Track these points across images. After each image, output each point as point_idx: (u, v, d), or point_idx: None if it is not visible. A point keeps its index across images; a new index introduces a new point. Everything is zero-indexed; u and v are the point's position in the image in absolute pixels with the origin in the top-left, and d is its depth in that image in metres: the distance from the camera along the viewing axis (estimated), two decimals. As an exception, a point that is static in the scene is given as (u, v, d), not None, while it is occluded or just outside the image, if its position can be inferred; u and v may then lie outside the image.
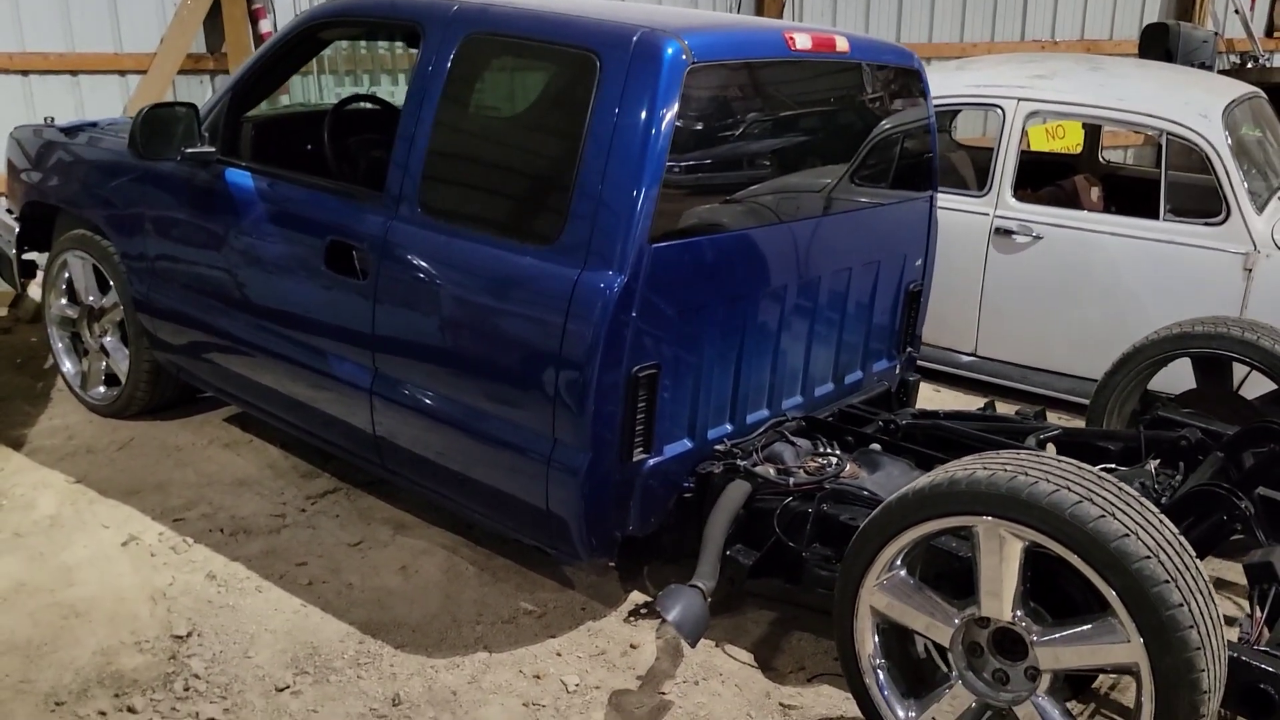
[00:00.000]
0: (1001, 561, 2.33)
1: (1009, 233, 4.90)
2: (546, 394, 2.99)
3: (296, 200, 3.64)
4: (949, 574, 2.62)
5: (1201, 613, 2.16)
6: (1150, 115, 4.65)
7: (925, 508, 2.41)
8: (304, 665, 3.00)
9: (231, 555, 3.53)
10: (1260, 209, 4.52)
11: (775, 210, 3.38)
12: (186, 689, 2.87)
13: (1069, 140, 7.15)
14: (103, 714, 2.77)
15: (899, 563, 2.52)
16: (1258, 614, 2.79)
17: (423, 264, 3.24)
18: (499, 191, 3.28)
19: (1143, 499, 2.31)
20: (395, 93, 6.49)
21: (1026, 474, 2.28)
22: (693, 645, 2.88)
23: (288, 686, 2.91)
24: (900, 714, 2.57)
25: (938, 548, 2.62)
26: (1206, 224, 4.53)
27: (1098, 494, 2.23)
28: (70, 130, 4.54)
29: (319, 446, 3.90)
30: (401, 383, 3.36)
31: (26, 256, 4.77)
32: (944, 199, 4.24)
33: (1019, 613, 2.35)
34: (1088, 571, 2.20)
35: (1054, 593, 2.42)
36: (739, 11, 7.24)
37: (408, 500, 3.87)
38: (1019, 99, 4.87)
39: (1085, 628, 2.28)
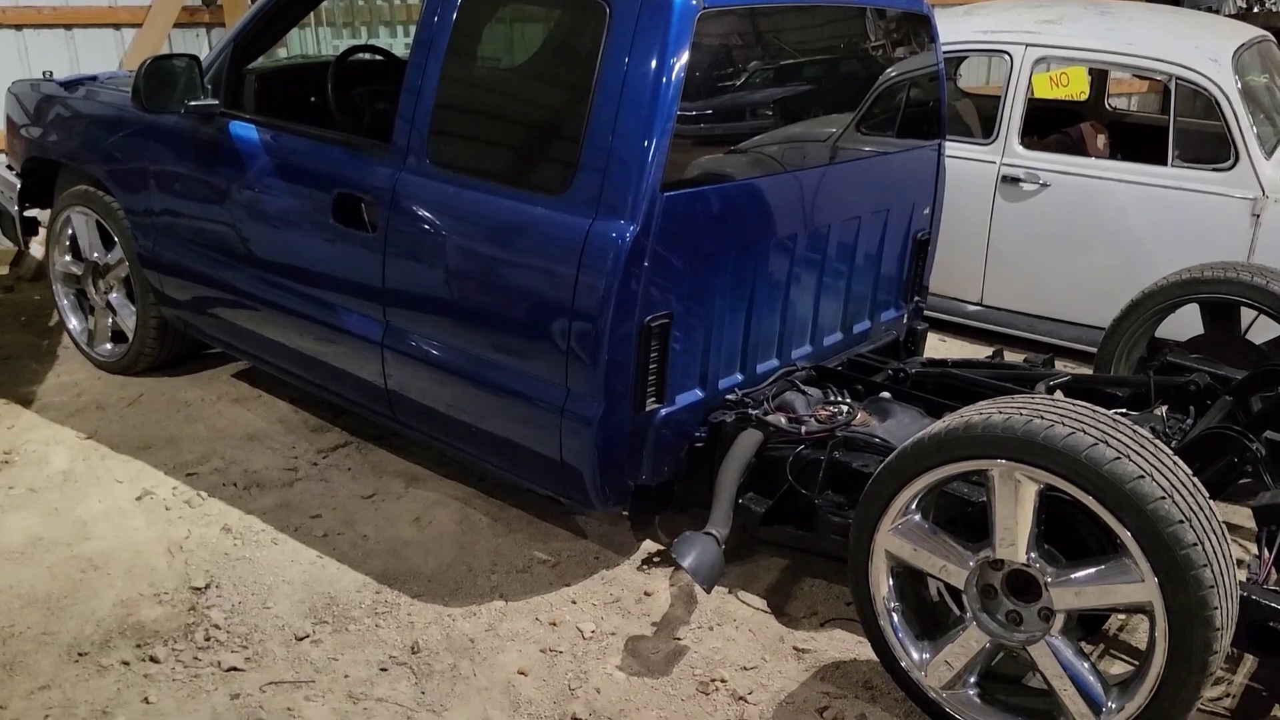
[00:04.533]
0: (1016, 505, 2.35)
1: (1016, 181, 4.88)
2: (559, 345, 2.99)
3: (302, 153, 3.62)
4: (963, 518, 2.65)
5: (1215, 552, 2.18)
6: (1159, 59, 4.61)
7: (941, 452, 2.42)
8: (322, 615, 3.04)
9: (246, 509, 3.55)
10: (1269, 154, 4.50)
11: (785, 159, 3.36)
12: (207, 639, 2.91)
13: (1072, 88, 7.09)
14: (125, 664, 2.81)
15: (914, 507, 2.54)
16: (1266, 555, 2.83)
17: (432, 216, 3.22)
18: (508, 142, 3.26)
19: (1156, 441, 2.32)
20: (393, 44, 6.42)
21: (1042, 418, 2.29)
22: (708, 591, 2.91)
23: (307, 635, 2.94)
24: (915, 655, 2.60)
25: (951, 492, 2.64)
26: (1215, 169, 4.52)
27: (1113, 437, 2.24)
28: (70, 84, 4.49)
29: (329, 400, 3.91)
30: (413, 335, 3.36)
31: (28, 213, 4.75)
32: (950, 147, 4.22)
33: (1033, 555, 2.38)
34: (1103, 513, 2.22)
35: (1068, 535, 2.44)
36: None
37: (419, 453, 3.89)
38: (1027, 44, 4.83)
39: (1099, 568, 2.31)
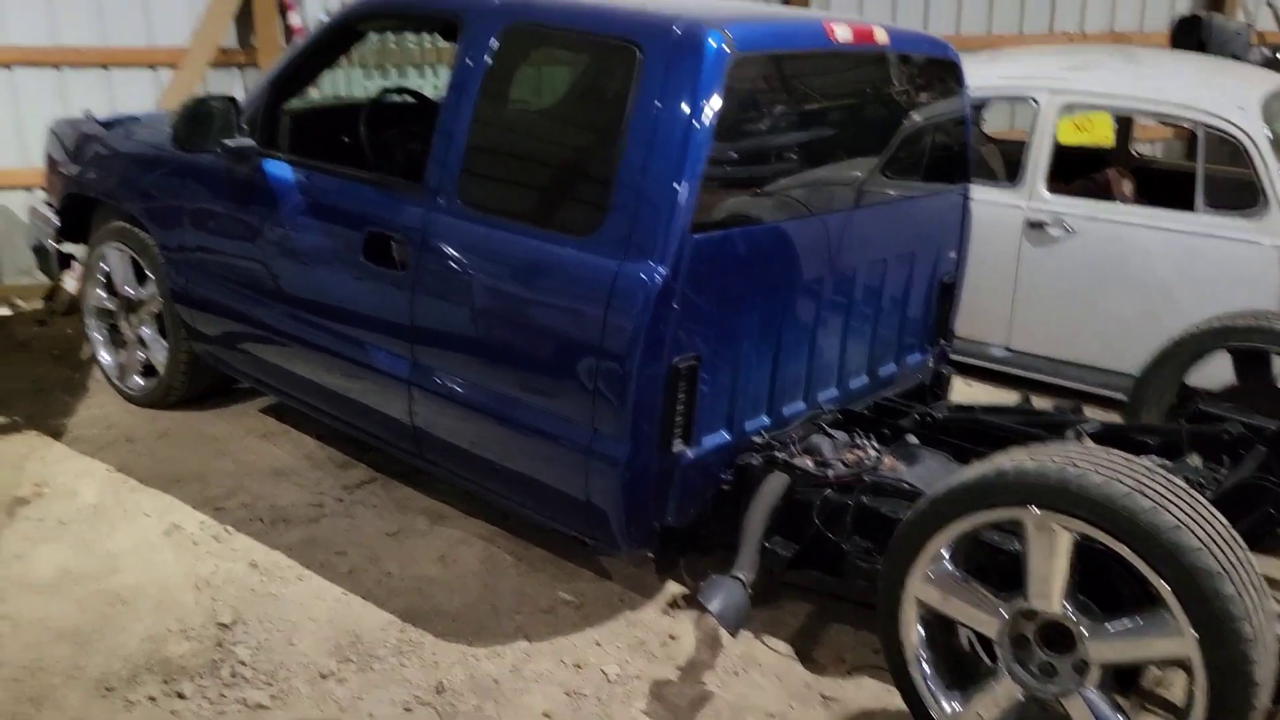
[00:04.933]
0: (1050, 554, 2.33)
1: (1042, 226, 4.87)
2: (586, 385, 3.00)
3: (335, 192, 3.66)
4: (994, 566, 2.62)
5: (1254, 605, 2.16)
6: (1188, 107, 4.62)
7: (973, 499, 2.41)
8: (347, 653, 3.03)
9: (272, 544, 3.56)
10: (1299, 201, 4.48)
11: (812, 202, 3.38)
12: (233, 675, 2.90)
13: (1095, 133, 7.09)
14: (152, 699, 2.81)
15: (945, 555, 2.52)
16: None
17: (462, 255, 3.25)
18: (539, 183, 3.29)
19: (1193, 491, 2.30)
20: (423, 85, 6.50)
21: (1076, 465, 2.28)
22: (734, 635, 2.89)
23: (332, 673, 2.93)
24: (945, 706, 2.57)
25: (982, 539, 2.62)
26: (1243, 216, 4.50)
27: (1149, 486, 2.23)
28: (109, 124, 4.58)
29: (355, 436, 3.92)
30: (440, 373, 3.38)
31: (64, 249, 4.82)
32: (975, 191, 4.23)
33: (1068, 605, 2.35)
34: (1139, 564, 2.20)
35: (1103, 585, 2.42)
36: (762, 2, 7.21)
37: (444, 490, 3.89)
38: (1053, 90, 4.85)
39: (1136, 621, 2.28)
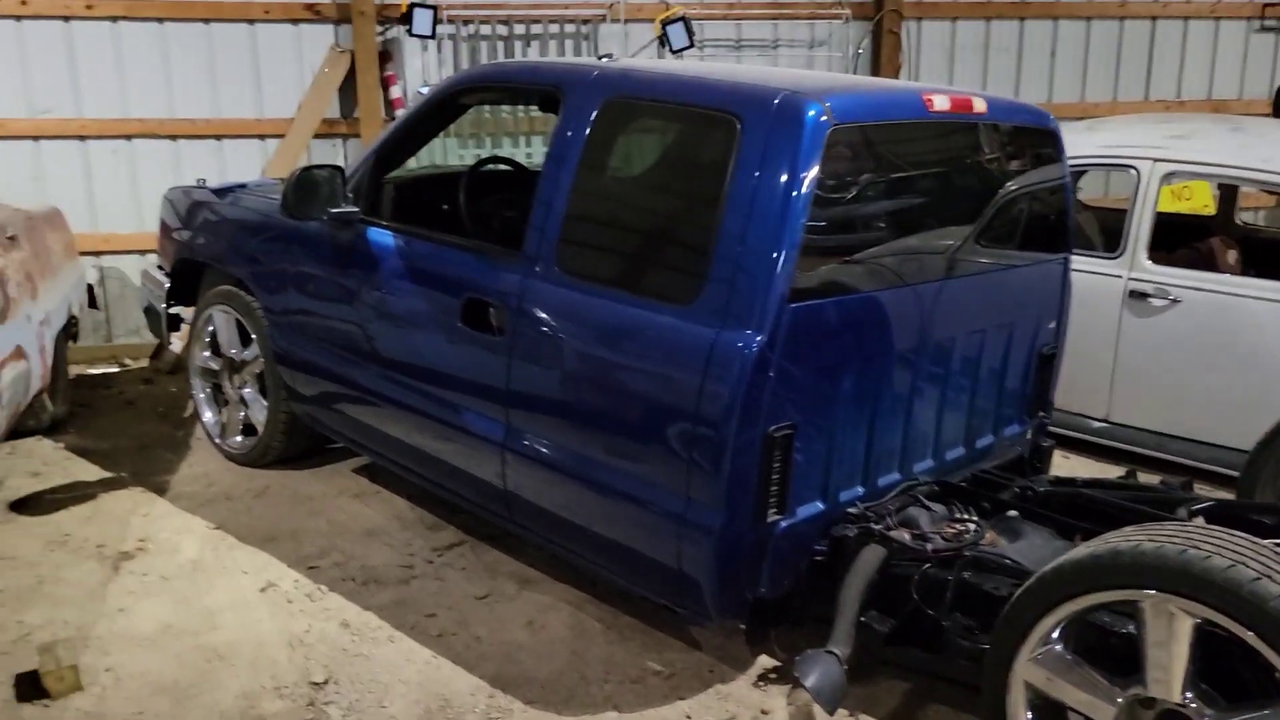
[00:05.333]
0: (1170, 639, 2.22)
1: (1144, 296, 4.76)
2: (681, 453, 2.99)
3: (434, 258, 3.75)
4: (1105, 649, 2.51)
5: (1394, 702, 2.03)
6: (1297, 176, 4.49)
7: (1085, 579, 2.32)
8: (437, 717, 3.03)
9: (364, 604, 3.59)
10: None
11: (911, 271, 3.35)
12: (325, 737, 2.92)
13: (1195, 201, 6.95)
14: (246, 758, 2.83)
15: (1055, 636, 2.43)
16: None
17: (559, 322, 3.29)
18: (637, 252, 3.32)
19: (1323, 577, 2.19)
20: (516, 153, 6.66)
21: (1198, 547, 2.18)
22: (831, 714, 2.81)
23: (422, 738, 2.93)
24: (1053, 795, 2.46)
25: (1093, 621, 2.52)
26: (1358, 288, 4.34)
27: (1277, 570, 2.12)
28: (220, 191, 4.77)
29: (445, 498, 3.96)
30: (534, 438, 3.40)
31: (172, 310, 5.01)
32: (1075, 261, 4.16)
33: (1189, 694, 2.24)
34: (1267, 652, 2.09)
35: (1226, 673, 2.30)
36: (854, 73, 7.26)
37: (532, 554, 3.90)
38: (1155, 159, 4.76)
39: (1264, 712, 2.16)
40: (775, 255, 2.87)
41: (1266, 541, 2.28)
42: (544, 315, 3.33)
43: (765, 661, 3.35)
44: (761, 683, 3.24)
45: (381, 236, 3.92)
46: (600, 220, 3.40)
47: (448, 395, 3.69)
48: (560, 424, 3.34)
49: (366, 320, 3.96)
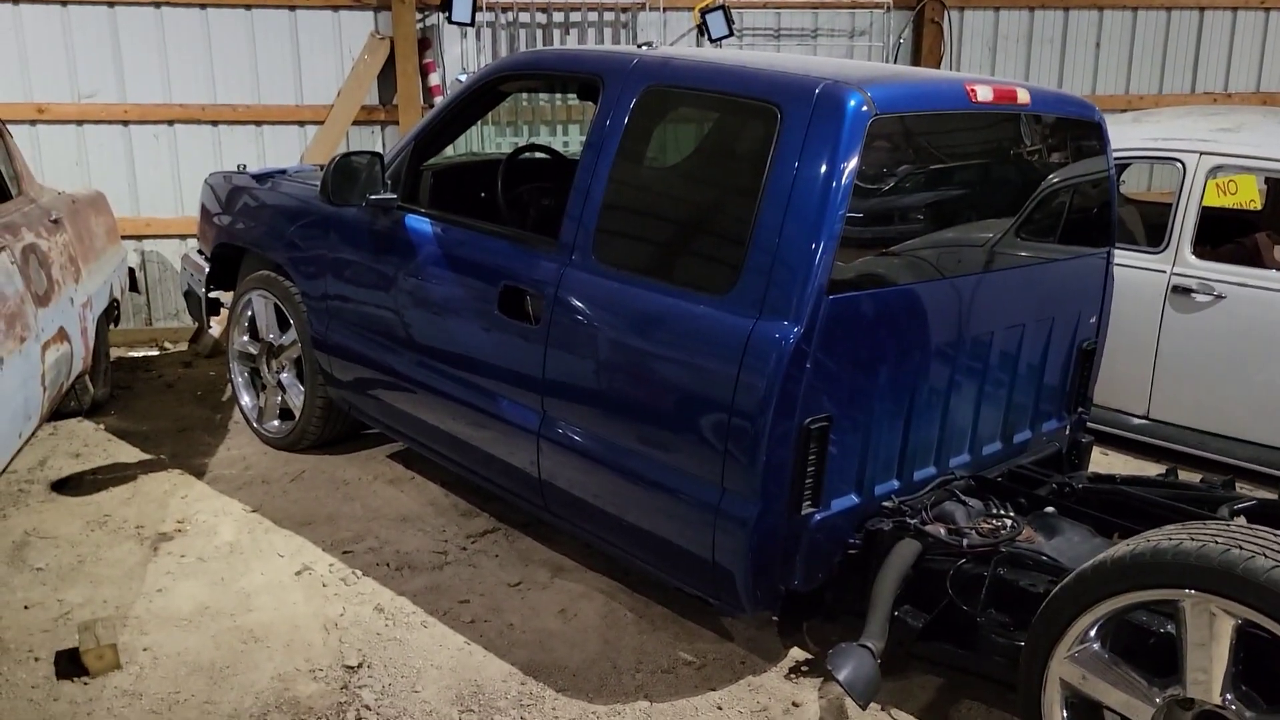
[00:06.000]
0: (1211, 640, 2.19)
1: (1188, 291, 4.68)
2: (716, 444, 2.98)
3: (472, 246, 3.76)
4: (1143, 649, 2.48)
5: None
6: (1348, 170, 4.39)
7: (1125, 578, 2.29)
8: (469, 703, 3.04)
9: (398, 589, 3.61)
10: None
11: (951, 264, 3.31)
12: (359, 719, 2.94)
13: (1241, 195, 6.82)
14: (281, 738, 2.87)
15: (1093, 635, 2.40)
16: None
17: (595, 311, 3.29)
18: (674, 242, 3.31)
19: (1370, 580, 2.14)
20: (553, 141, 6.66)
21: (1241, 547, 2.15)
22: (864, 707, 2.80)
23: (454, 723, 2.95)
24: (1089, 794, 2.43)
25: (1130, 620, 2.49)
26: None
27: (1321, 572, 2.08)
28: (260, 177, 4.81)
29: (480, 485, 3.97)
30: (569, 426, 3.40)
31: (212, 295, 5.06)
32: (1118, 255, 4.09)
33: (1229, 696, 2.21)
34: (1311, 655, 2.05)
35: (1268, 674, 2.26)
36: (894, 63, 7.20)
37: (565, 543, 3.90)
38: (1202, 152, 4.68)
39: (1306, 716, 2.13)
40: (814, 246, 2.85)
41: (1312, 543, 2.24)
42: (580, 304, 3.32)
43: (797, 654, 3.34)
44: (793, 675, 3.23)
45: (419, 223, 3.93)
46: (637, 209, 3.39)
47: (483, 382, 3.70)
48: (595, 413, 3.34)
49: (403, 306, 3.98)
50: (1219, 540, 2.19)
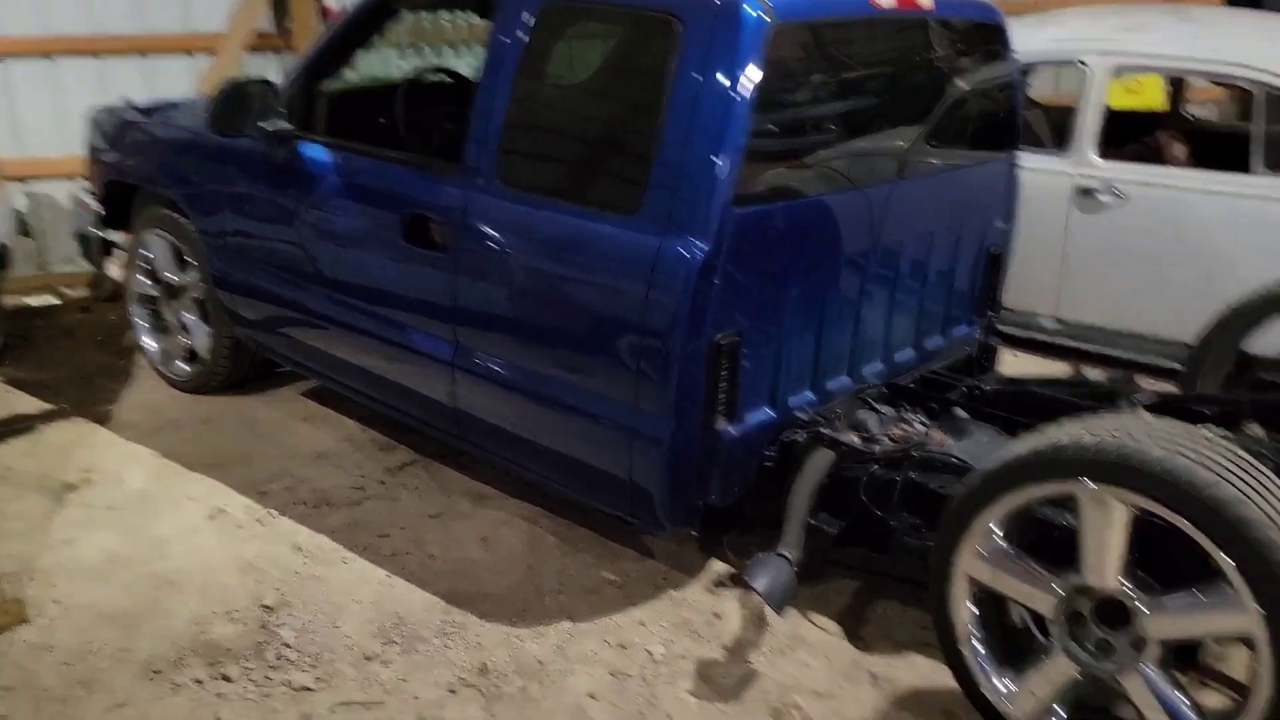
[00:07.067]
0: (1107, 529, 2.26)
1: (1092, 193, 4.75)
2: (629, 363, 2.97)
3: (372, 174, 3.65)
4: (1047, 542, 2.55)
5: (1323, 581, 2.07)
6: (1246, 66, 4.45)
7: (1026, 474, 2.34)
8: (391, 635, 3.03)
9: (315, 527, 3.57)
10: (1361, 161, 4.33)
11: (856, 174, 3.31)
12: (278, 658, 2.91)
13: (1145, 96, 6.91)
14: (199, 682, 2.83)
15: (997, 530, 2.46)
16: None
17: (502, 236, 3.22)
18: (578, 161, 3.25)
19: (1258, 463, 2.22)
20: (456, 64, 6.47)
21: (1135, 439, 2.20)
22: (780, 614, 2.85)
23: (377, 656, 2.94)
24: (998, 684, 2.52)
25: (1034, 514, 2.55)
26: (1303, 178, 4.35)
27: (1211, 459, 2.15)
28: (148, 110, 4.59)
29: (396, 419, 3.92)
30: (482, 354, 3.36)
31: (106, 236, 4.86)
32: (1023, 159, 4.12)
33: (1125, 581, 2.28)
34: (1201, 539, 2.13)
35: (1161, 560, 2.34)
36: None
37: (485, 471, 3.88)
38: (1104, 53, 4.70)
39: (1197, 597, 2.21)
40: (718, 160, 2.81)
41: (1204, 430, 2.31)
42: (487, 229, 3.25)
43: (718, 567, 3.38)
44: (714, 588, 3.28)
45: (317, 152, 3.79)
46: (541, 130, 3.32)
47: (394, 314, 3.63)
48: (508, 339, 3.30)
49: (306, 240, 3.86)
50: (1114, 433, 2.25)
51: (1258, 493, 2.11)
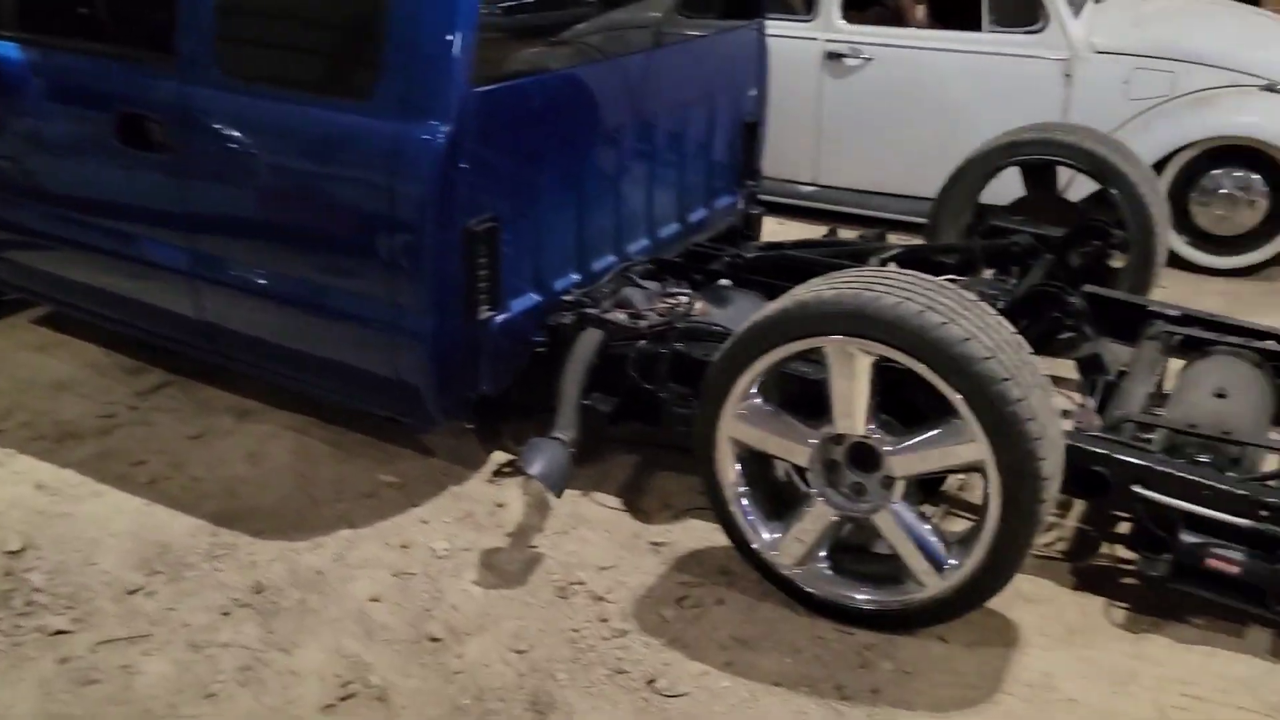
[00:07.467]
0: (852, 378, 2.36)
1: (840, 57, 4.87)
2: (382, 259, 2.85)
3: (80, 72, 3.31)
4: (804, 397, 2.65)
5: (1039, 405, 2.25)
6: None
7: (776, 333, 2.41)
8: (155, 565, 2.87)
9: (60, 462, 3.30)
10: (1077, 12, 4.60)
11: (604, 46, 3.24)
12: (28, 604, 2.71)
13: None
14: (-62, 641, 2.60)
15: (754, 391, 2.53)
16: (1089, 403, 2.96)
17: (229, 131, 2.99)
18: (305, 45, 3.03)
19: (981, 304, 2.36)
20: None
21: (871, 290, 2.29)
22: (559, 496, 2.87)
23: (140, 588, 2.77)
24: (766, 536, 2.63)
25: (792, 372, 2.64)
26: (1027, 32, 4.59)
27: (939, 303, 2.26)
28: None
29: (144, 340, 3.65)
30: (226, 262, 3.15)
31: None
32: (773, 26, 4.16)
33: (871, 426, 2.41)
34: (933, 378, 2.25)
35: (905, 403, 2.48)
36: None
37: (249, 385, 3.68)
38: (841, -84, 4.76)
39: (934, 432, 2.35)
40: (451, 37, 2.68)
41: (935, 278, 2.42)
42: (211, 126, 3.01)
43: (500, 457, 3.36)
44: (496, 478, 3.26)
45: (10, 51, 3.39)
46: (261, 13, 3.06)
47: (123, 227, 3.34)
48: (250, 244, 3.11)
49: (16, 153, 3.48)
50: (853, 286, 2.33)
51: (981, 330, 2.25)
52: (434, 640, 2.60)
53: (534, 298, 3.18)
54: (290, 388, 3.38)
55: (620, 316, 3.16)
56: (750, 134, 4.11)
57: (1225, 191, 4.41)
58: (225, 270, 3.15)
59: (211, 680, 2.49)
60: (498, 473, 3.28)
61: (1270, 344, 3.15)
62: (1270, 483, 2.53)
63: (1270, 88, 4.33)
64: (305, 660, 2.55)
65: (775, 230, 5.07)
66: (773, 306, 2.45)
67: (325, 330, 3.05)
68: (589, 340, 3.09)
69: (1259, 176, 4.36)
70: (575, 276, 3.34)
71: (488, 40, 2.77)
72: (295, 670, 2.52)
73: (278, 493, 3.18)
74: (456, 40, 2.67)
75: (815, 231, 4.90)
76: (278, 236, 3.05)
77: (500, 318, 3.02)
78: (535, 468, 2.78)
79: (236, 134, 2.98)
